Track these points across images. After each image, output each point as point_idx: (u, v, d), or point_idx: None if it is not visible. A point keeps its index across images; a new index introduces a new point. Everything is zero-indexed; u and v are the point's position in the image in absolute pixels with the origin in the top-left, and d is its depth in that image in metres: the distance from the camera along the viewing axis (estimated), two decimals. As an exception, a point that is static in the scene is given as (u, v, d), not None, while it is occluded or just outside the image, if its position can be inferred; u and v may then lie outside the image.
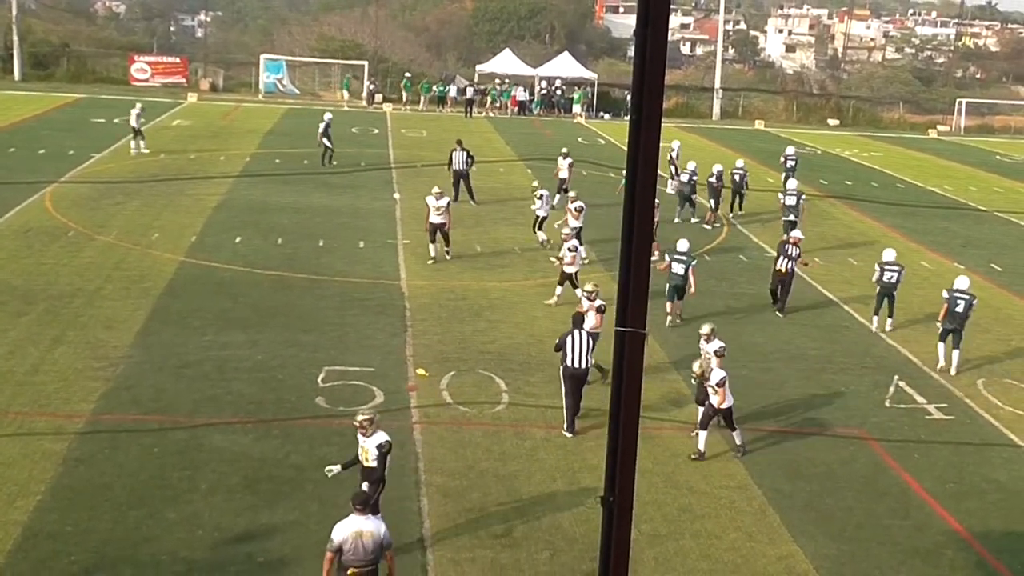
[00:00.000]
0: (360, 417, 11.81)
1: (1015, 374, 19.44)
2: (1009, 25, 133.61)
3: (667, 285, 21.10)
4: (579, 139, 49.89)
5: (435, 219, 24.02)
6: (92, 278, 21.59)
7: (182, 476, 13.42)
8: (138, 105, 38.58)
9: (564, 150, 32.56)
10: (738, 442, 15.25)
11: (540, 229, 26.46)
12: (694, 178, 30.69)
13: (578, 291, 19.60)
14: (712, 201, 30.61)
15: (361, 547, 10.07)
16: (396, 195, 31.09)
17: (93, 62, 64.65)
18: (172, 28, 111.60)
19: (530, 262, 25.13)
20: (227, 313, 19.96)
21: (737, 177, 32.17)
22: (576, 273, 21.44)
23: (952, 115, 68.24)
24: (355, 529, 10.09)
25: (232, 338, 18.52)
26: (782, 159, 37.02)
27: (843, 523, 13.38)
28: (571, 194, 26.86)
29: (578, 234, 23.57)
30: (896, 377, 18.79)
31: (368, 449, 11.71)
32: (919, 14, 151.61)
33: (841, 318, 22.39)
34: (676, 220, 29.64)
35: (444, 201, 24.04)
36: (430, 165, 32.41)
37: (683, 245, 21.69)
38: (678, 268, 21.15)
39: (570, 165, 31.36)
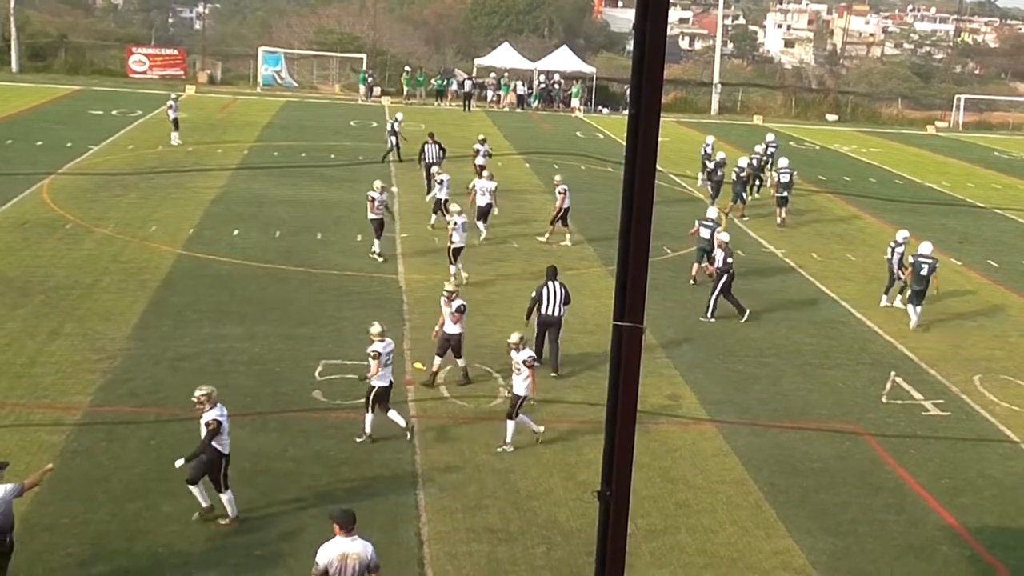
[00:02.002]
0: (197, 392, 11.85)
1: (1012, 370, 19.47)
2: (1008, 21, 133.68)
3: (696, 248, 23.81)
4: (577, 133, 49.89)
5: (375, 215, 23.95)
6: (89, 270, 21.57)
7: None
8: (174, 94, 40.20)
9: (481, 137, 33.25)
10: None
11: (436, 212, 26.88)
12: (721, 169, 31.83)
13: (453, 266, 21.54)
14: (737, 193, 31.38)
15: (347, 570, 9.52)
16: (394, 188, 31.08)
17: (91, 54, 64.51)
18: (170, 20, 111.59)
19: (527, 256, 25.13)
20: (224, 306, 19.95)
21: (755, 161, 33.40)
22: (461, 249, 22.15)
23: (950, 111, 68.24)
24: (340, 552, 9.54)
25: (229, 331, 18.52)
26: (763, 146, 37.49)
27: (839, 518, 13.41)
28: (485, 174, 27.75)
29: (486, 214, 26.19)
30: (893, 373, 18.82)
31: (201, 426, 11.79)
32: (918, 10, 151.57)
33: (838, 314, 22.41)
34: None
35: (387, 195, 24.19)
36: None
37: (712, 212, 24.47)
38: (704, 232, 23.50)
39: (485, 153, 31.73)
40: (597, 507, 6.87)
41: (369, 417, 14.47)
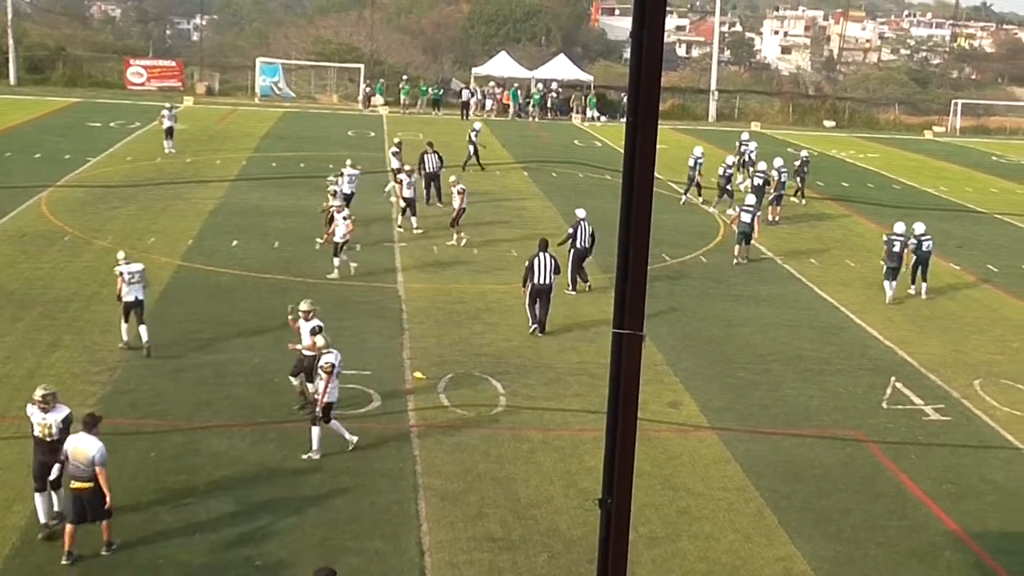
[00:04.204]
0: (38, 394, 12.05)
1: (1012, 375, 19.45)
2: (1004, 26, 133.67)
3: (736, 231, 26.36)
4: (575, 141, 49.92)
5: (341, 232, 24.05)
6: (88, 282, 21.55)
7: (179, 480, 13.41)
8: (168, 104, 41.59)
9: (396, 140, 34.08)
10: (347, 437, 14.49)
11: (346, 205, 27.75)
12: (729, 171, 32.97)
13: (337, 258, 22.94)
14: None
15: None
16: (387, 187, 31.11)
17: (89, 66, 64.51)
18: (168, 31, 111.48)
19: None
20: (224, 317, 19.93)
21: (798, 163, 34.98)
22: (343, 244, 22.91)
23: (948, 116, 68.24)
24: None
25: (229, 342, 18.50)
26: (739, 144, 38.58)
27: (841, 524, 13.39)
28: (407, 168, 29.16)
29: (410, 205, 27.60)
30: (893, 378, 18.80)
31: (51, 424, 11.98)
32: (914, 15, 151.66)
33: (838, 319, 22.40)
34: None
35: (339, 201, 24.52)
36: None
37: (751, 199, 27.03)
38: (746, 217, 26.07)
39: (395, 154, 32.03)
40: (598, 515, 6.86)
41: (124, 325, 17.71)
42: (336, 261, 22.98)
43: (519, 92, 60.30)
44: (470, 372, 17.77)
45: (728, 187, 32.53)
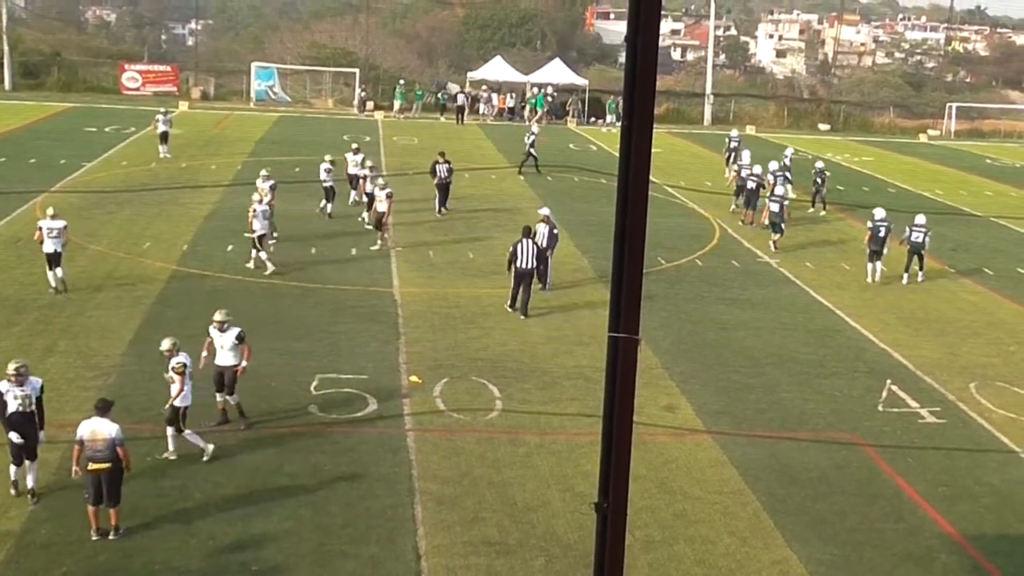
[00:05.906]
0: (12, 368, 12.73)
1: (1007, 377, 19.48)
2: (998, 29, 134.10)
3: (767, 222, 28.68)
4: (571, 145, 49.94)
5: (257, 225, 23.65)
6: (83, 288, 21.54)
7: (175, 485, 13.40)
8: (163, 109, 41.61)
9: (354, 146, 33.38)
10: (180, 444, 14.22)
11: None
12: (754, 174, 33.15)
13: (255, 251, 23.54)
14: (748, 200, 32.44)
15: None
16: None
17: (84, 71, 64.51)
18: (163, 36, 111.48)
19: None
20: (219, 321, 19.88)
21: (816, 175, 34.99)
22: (262, 237, 23.42)
23: (942, 119, 68.36)
24: None
25: (224, 346, 18.46)
26: (728, 141, 39.02)
27: (837, 527, 13.40)
28: (380, 180, 28.96)
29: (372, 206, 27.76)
30: (888, 381, 18.82)
31: (29, 395, 12.77)
32: (909, 19, 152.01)
33: (833, 322, 22.43)
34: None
35: (266, 206, 23.94)
36: (422, 172, 32.37)
37: (780, 190, 28.89)
38: (775, 207, 28.07)
39: (356, 162, 31.68)
40: (594, 519, 6.86)
41: (49, 273, 20.23)
42: (254, 253, 23.34)
43: (545, 98, 60.21)
44: (466, 376, 17.76)
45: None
